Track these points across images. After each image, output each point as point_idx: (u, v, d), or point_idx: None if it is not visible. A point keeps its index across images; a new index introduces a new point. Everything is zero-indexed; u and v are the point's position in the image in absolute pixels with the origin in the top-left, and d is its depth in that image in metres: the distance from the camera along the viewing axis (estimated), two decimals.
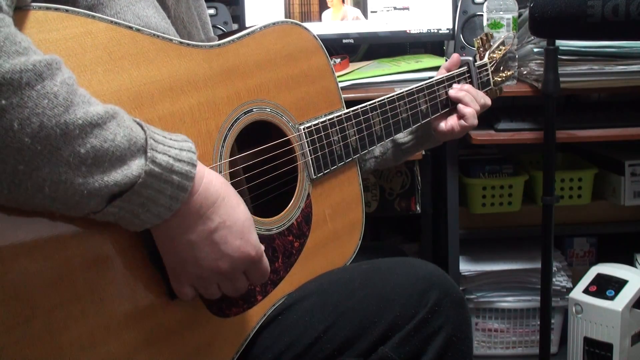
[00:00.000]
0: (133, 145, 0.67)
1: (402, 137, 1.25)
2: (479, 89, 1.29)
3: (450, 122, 1.21)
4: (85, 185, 0.64)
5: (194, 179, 0.72)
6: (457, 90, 1.21)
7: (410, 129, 1.20)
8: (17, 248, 0.65)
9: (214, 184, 0.76)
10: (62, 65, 0.64)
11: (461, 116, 1.21)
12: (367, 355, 0.93)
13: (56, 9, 0.71)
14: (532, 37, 1.61)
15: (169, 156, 0.70)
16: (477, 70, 1.28)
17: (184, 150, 0.72)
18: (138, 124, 0.70)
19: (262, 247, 0.82)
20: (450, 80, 1.23)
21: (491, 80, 1.33)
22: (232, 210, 0.77)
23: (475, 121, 1.21)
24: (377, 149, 1.27)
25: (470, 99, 1.20)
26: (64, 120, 0.62)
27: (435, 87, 1.20)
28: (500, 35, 1.56)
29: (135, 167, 0.67)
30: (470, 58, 1.28)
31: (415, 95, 1.17)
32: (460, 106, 1.20)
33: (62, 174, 0.62)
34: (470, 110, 1.20)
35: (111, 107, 0.67)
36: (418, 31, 1.82)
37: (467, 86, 1.23)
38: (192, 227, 0.75)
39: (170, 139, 0.72)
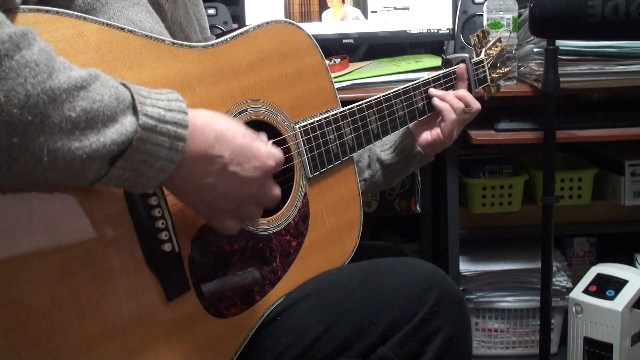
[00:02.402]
0: (122, 102, 0.67)
1: (389, 158, 1.24)
2: (476, 86, 1.29)
3: (435, 130, 1.20)
4: (83, 148, 0.64)
5: (188, 125, 0.72)
6: (437, 98, 1.19)
7: (394, 147, 1.20)
8: (13, 251, 0.65)
9: (207, 122, 0.76)
10: (37, 35, 0.64)
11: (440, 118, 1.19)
12: (366, 356, 0.93)
13: (47, 11, 0.71)
14: (532, 37, 1.61)
15: (159, 107, 0.70)
16: (474, 67, 1.28)
17: (172, 101, 0.72)
18: (121, 83, 0.70)
19: (272, 148, 0.83)
20: (446, 78, 1.23)
21: (488, 77, 1.33)
22: (233, 139, 0.78)
23: (452, 116, 1.17)
24: (366, 172, 1.27)
25: (448, 104, 1.18)
26: (49, 86, 0.62)
27: (432, 85, 1.20)
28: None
29: (129, 123, 0.67)
30: (467, 55, 1.27)
31: (412, 93, 1.17)
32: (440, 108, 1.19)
33: (58, 141, 0.62)
34: (445, 106, 1.18)
35: (92, 69, 0.67)
36: (418, 31, 1.82)
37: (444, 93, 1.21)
38: (205, 170, 0.75)
39: (156, 93, 0.72)
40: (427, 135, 1.19)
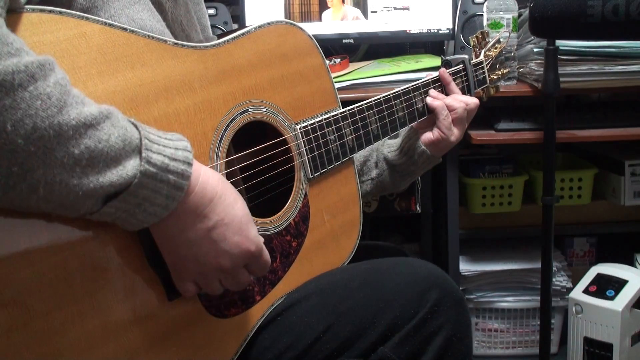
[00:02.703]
0: (128, 145, 0.67)
1: (395, 158, 1.24)
2: (475, 87, 1.29)
3: (436, 129, 1.19)
4: (80, 186, 0.64)
5: (190, 178, 0.72)
6: (432, 100, 1.19)
7: (401, 149, 1.20)
8: (13, 251, 0.65)
9: (210, 181, 0.76)
10: (55, 66, 0.64)
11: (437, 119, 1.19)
12: (366, 356, 0.93)
13: (49, 11, 0.70)
14: (532, 37, 1.61)
15: (164, 155, 0.70)
16: (473, 68, 1.28)
17: (180, 150, 0.72)
18: (132, 124, 0.70)
19: (262, 240, 0.82)
20: None
21: (487, 78, 1.33)
22: (230, 207, 0.77)
23: (445, 112, 1.17)
24: (374, 171, 1.27)
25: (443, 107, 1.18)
26: (58, 121, 0.62)
27: (432, 86, 1.20)
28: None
29: (131, 167, 0.67)
30: (466, 56, 1.28)
31: (412, 94, 1.17)
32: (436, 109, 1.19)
33: (57, 175, 0.62)
34: (440, 103, 1.18)
35: (105, 107, 0.67)
36: (418, 31, 1.82)
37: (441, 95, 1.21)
38: (191, 225, 0.75)
39: (165, 138, 0.72)
40: (429, 135, 1.20)
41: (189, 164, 0.72)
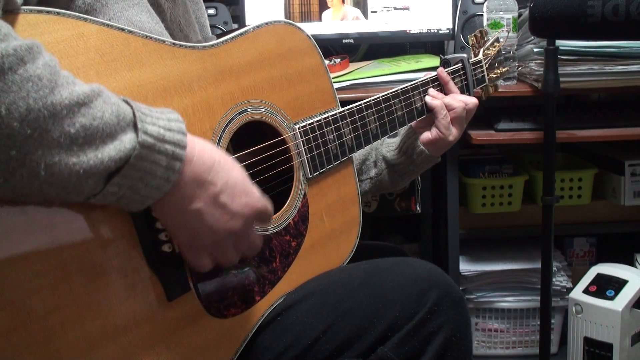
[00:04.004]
0: (122, 120, 0.67)
1: (394, 157, 1.24)
2: (474, 86, 1.29)
3: (434, 129, 1.19)
4: (80, 164, 0.64)
5: (186, 147, 0.72)
6: (431, 99, 1.19)
7: (399, 148, 1.20)
8: (12, 252, 0.65)
9: (206, 149, 0.76)
10: (43, 49, 0.64)
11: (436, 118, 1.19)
12: (366, 356, 0.93)
13: (47, 12, 0.71)
14: (532, 37, 1.61)
15: (159, 126, 0.70)
16: (472, 67, 1.28)
17: (172, 120, 0.72)
18: (124, 100, 0.70)
19: (265, 196, 0.82)
20: None
21: (486, 77, 1.33)
22: (230, 171, 0.78)
23: (444, 111, 1.17)
24: (372, 170, 1.27)
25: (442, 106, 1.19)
26: (51, 102, 0.62)
27: (431, 85, 1.20)
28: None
29: (128, 140, 0.67)
30: (465, 55, 1.28)
31: (410, 93, 1.17)
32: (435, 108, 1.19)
33: (55, 156, 0.62)
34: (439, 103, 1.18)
35: (96, 85, 0.68)
36: (418, 31, 1.82)
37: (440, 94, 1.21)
38: (196, 195, 0.75)
39: (157, 111, 0.72)
40: (427, 134, 1.20)
41: (184, 133, 0.72)
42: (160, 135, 0.70)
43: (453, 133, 1.19)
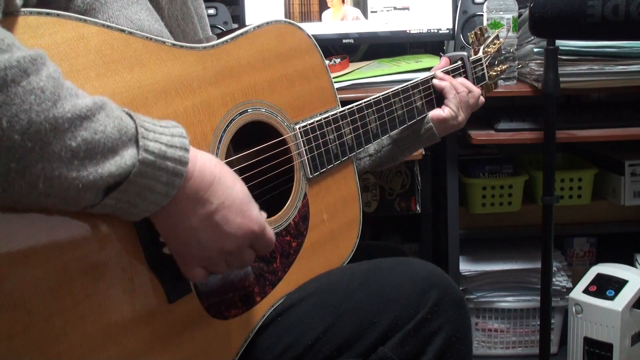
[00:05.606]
0: (124, 135, 0.67)
1: (399, 132, 1.24)
2: (474, 84, 1.29)
3: (447, 109, 1.22)
4: (80, 178, 0.64)
5: (187, 164, 0.72)
6: (439, 81, 1.22)
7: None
8: (13, 255, 0.64)
9: (208, 165, 0.76)
10: (47, 60, 0.64)
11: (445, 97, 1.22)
12: (366, 356, 0.93)
13: (47, 14, 0.70)
14: (532, 37, 1.61)
15: (161, 143, 0.70)
16: (472, 65, 1.29)
17: (176, 136, 0.71)
18: (127, 113, 0.70)
19: (264, 219, 0.82)
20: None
21: (486, 75, 1.33)
22: (230, 190, 0.77)
23: (453, 92, 1.21)
24: (372, 147, 1.27)
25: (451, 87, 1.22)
26: (53, 115, 0.61)
27: (431, 84, 1.21)
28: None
29: (129, 156, 0.67)
30: (465, 53, 1.28)
31: (411, 92, 1.17)
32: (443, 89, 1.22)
33: (55, 169, 0.62)
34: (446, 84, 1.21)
35: (99, 98, 0.67)
36: (418, 31, 1.82)
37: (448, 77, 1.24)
38: (192, 211, 0.74)
39: (161, 126, 0.72)
40: (439, 111, 1.22)
41: (186, 150, 0.72)
42: (162, 152, 0.69)
43: (461, 115, 1.22)
